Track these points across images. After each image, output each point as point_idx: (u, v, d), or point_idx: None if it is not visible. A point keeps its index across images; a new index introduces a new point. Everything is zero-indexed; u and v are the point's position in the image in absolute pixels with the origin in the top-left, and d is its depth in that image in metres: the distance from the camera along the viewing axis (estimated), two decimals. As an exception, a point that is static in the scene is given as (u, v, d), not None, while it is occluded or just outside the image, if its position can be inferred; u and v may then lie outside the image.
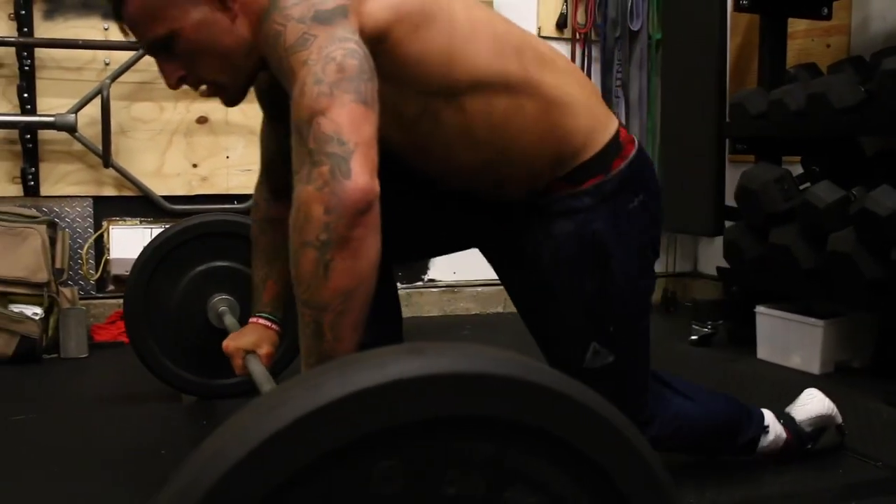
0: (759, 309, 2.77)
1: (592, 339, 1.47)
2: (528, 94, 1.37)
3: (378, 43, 1.22)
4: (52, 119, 2.88)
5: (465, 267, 3.35)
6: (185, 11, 1.26)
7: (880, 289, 2.35)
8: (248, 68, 1.33)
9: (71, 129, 2.90)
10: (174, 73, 1.33)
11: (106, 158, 2.91)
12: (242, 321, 1.92)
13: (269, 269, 1.66)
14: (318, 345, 1.08)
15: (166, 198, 3.09)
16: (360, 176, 1.04)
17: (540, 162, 1.43)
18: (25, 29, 2.90)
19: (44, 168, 2.97)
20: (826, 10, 2.92)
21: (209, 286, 2.16)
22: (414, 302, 3.35)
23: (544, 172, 1.45)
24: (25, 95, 2.91)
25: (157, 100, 3.07)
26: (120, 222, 3.07)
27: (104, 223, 3.06)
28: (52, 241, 2.82)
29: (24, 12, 2.90)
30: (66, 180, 3.01)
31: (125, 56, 2.97)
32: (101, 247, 3.06)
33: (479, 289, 3.44)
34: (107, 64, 3.01)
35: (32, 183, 2.94)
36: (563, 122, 1.41)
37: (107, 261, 3.05)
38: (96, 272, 3.05)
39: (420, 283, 3.42)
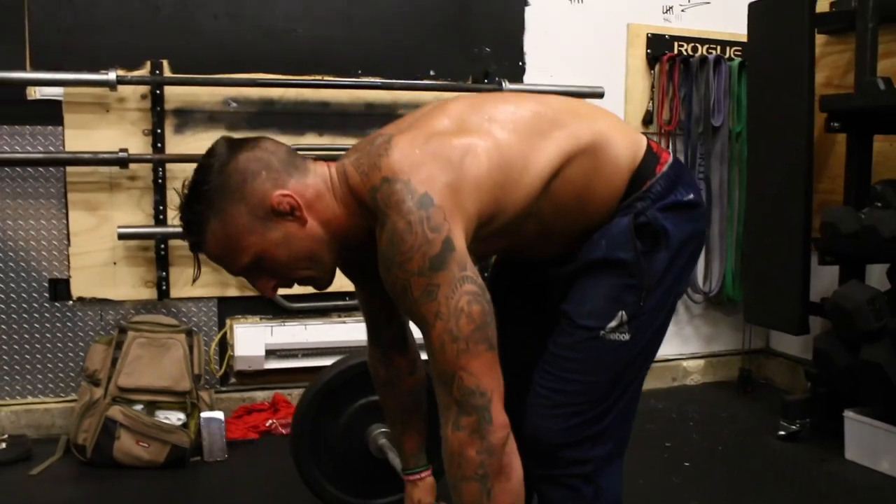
0: (848, 414, 2.98)
1: (620, 309, 1.54)
2: (582, 151, 1.51)
3: (484, 225, 1.42)
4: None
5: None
6: (262, 235, 1.40)
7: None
8: (332, 259, 1.48)
9: (202, 238, 3.08)
10: (268, 285, 1.47)
11: (235, 266, 3.09)
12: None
13: (402, 428, 1.86)
14: None
15: (284, 296, 3.28)
16: (499, 417, 1.31)
17: (613, 195, 1.57)
18: (159, 144, 3.08)
19: (173, 272, 3.17)
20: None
21: (368, 418, 2.34)
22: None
23: (615, 200, 1.58)
24: (160, 207, 3.10)
25: (277, 205, 3.25)
26: (242, 320, 3.27)
27: (227, 321, 3.26)
28: (190, 348, 3.01)
29: (158, 130, 3.08)
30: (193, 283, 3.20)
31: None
32: (224, 343, 3.26)
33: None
34: (231, 173, 3.19)
35: (164, 287, 3.14)
36: (615, 153, 1.54)
37: (230, 356, 3.25)
38: (220, 368, 3.25)
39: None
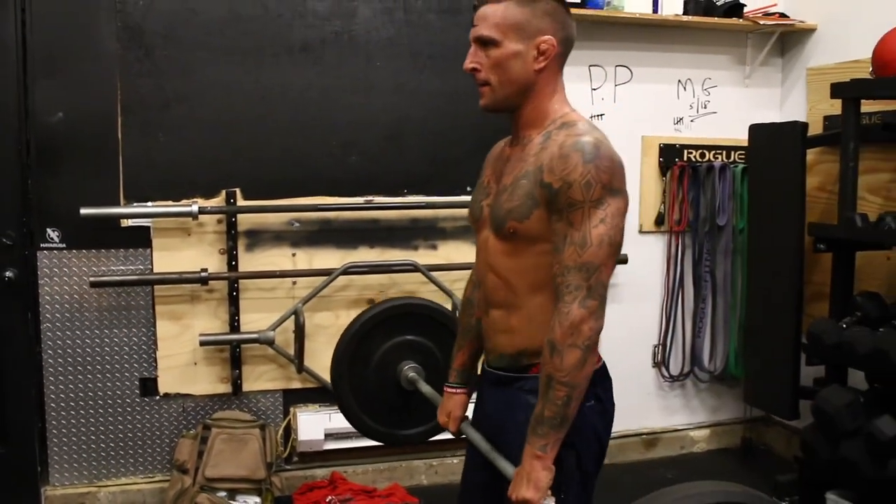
0: (830, 496, 3.44)
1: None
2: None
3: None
4: (256, 336, 3.56)
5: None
6: (515, 40, 1.79)
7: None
8: (512, 97, 1.84)
9: (270, 342, 3.58)
10: (473, 62, 1.84)
11: (300, 366, 3.59)
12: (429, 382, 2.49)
13: (460, 344, 2.21)
14: (564, 410, 1.69)
15: (341, 387, 3.77)
16: (603, 318, 1.73)
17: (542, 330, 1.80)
18: (233, 262, 3.56)
19: (245, 370, 3.66)
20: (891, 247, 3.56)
21: (397, 356, 2.61)
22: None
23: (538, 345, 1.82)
24: (235, 317, 3.59)
25: (334, 309, 3.73)
26: (304, 408, 3.76)
27: (291, 409, 3.75)
28: (264, 440, 3.51)
29: (232, 250, 3.56)
30: (262, 378, 3.70)
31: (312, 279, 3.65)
32: (288, 428, 3.75)
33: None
34: (294, 283, 3.67)
35: (238, 383, 3.63)
36: None
37: (293, 440, 3.74)
38: (285, 450, 3.75)
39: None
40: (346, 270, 3.65)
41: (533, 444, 1.73)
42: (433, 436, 2.73)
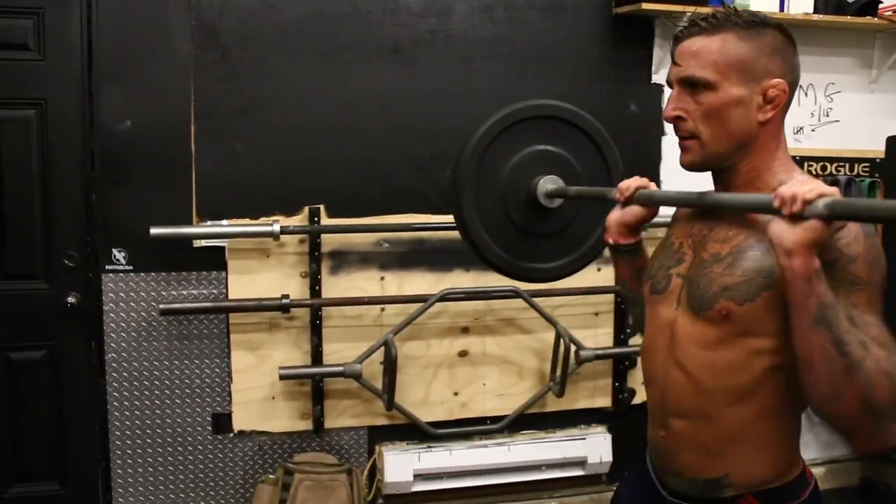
0: None
1: None
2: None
3: None
4: (341, 369, 3.21)
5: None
6: (737, 83, 1.42)
7: None
8: (728, 153, 1.46)
9: (357, 376, 3.22)
10: (678, 109, 1.47)
11: (390, 403, 3.23)
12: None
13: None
14: (840, 336, 1.22)
15: (430, 423, 3.42)
16: None
17: (771, 462, 1.47)
18: (316, 287, 3.21)
19: (327, 405, 3.31)
20: None
21: (535, 168, 2.03)
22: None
23: (755, 478, 1.48)
24: (318, 347, 3.24)
25: (426, 338, 3.38)
26: (390, 446, 3.41)
27: (377, 448, 3.40)
28: (351, 486, 3.16)
29: (316, 273, 3.21)
30: (345, 414, 3.36)
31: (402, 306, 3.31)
32: (372, 469, 3.40)
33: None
34: (382, 310, 3.32)
35: (320, 419, 3.29)
36: (789, 434, 1.49)
37: (379, 481, 3.39)
38: (370, 493, 3.40)
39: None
40: (444, 296, 3.29)
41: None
42: (579, 267, 2.12)
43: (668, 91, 3.37)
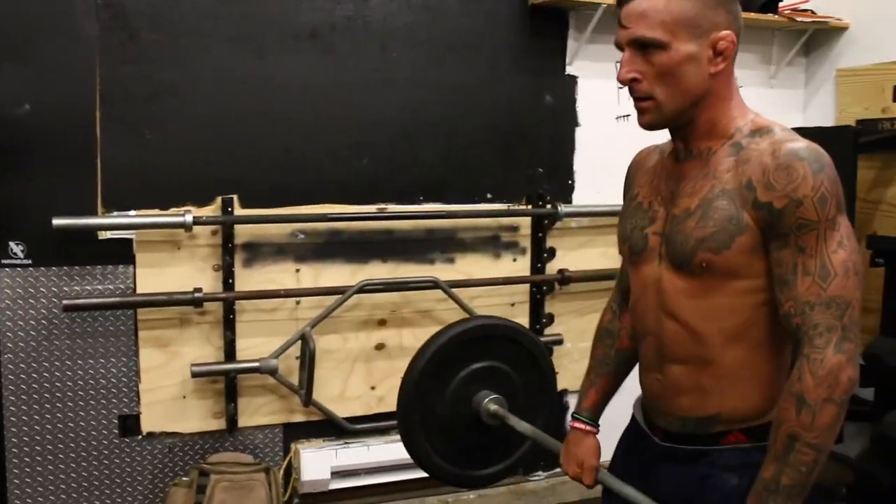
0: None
1: None
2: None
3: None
4: (257, 364, 3.09)
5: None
6: (687, 40, 1.42)
7: None
8: (685, 109, 1.47)
9: (273, 371, 3.12)
10: (632, 71, 1.47)
11: (307, 399, 3.14)
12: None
13: (594, 378, 1.88)
14: (807, 479, 1.37)
15: (347, 419, 3.34)
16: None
17: (759, 397, 1.54)
18: (230, 280, 3.09)
19: (241, 402, 3.19)
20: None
21: (475, 386, 2.16)
22: (558, 491, 3.71)
23: (743, 413, 1.54)
24: (231, 342, 3.11)
25: (342, 332, 3.30)
26: (306, 443, 3.31)
27: (293, 446, 3.30)
28: (269, 485, 3.05)
29: (230, 268, 3.08)
30: (260, 412, 3.24)
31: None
32: (288, 468, 3.30)
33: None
34: (298, 303, 3.22)
35: (234, 418, 3.16)
36: (777, 369, 1.55)
37: (295, 479, 3.29)
38: (285, 492, 3.29)
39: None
40: (362, 288, 3.21)
41: None
42: (511, 474, 2.38)
43: (582, 81, 3.41)
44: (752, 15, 3.62)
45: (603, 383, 1.89)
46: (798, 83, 4.01)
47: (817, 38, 3.91)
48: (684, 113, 1.48)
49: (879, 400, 3.39)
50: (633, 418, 1.79)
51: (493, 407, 2.11)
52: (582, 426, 1.87)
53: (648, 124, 1.51)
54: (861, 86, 3.75)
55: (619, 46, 1.50)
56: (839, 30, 3.82)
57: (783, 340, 1.52)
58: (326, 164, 3.22)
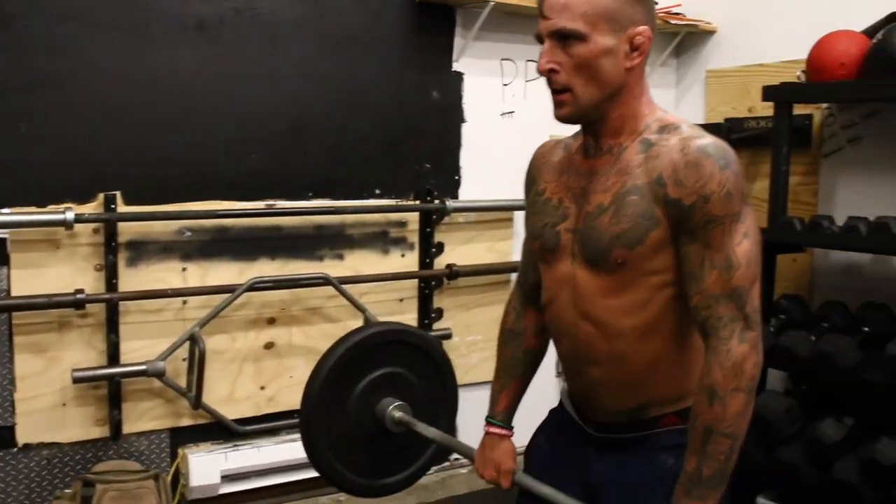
0: (760, 500, 3.41)
1: None
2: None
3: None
4: (144, 367, 2.98)
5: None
6: (606, 33, 1.46)
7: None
8: (601, 102, 1.51)
9: (160, 374, 3.01)
10: (551, 62, 1.50)
11: (197, 401, 3.05)
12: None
13: (505, 381, 1.89)
14: (726, 467, 1.43)
15: (237, 420, 3.26)
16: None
17: (683, 380, 1.60)
18: (113, 280, 2.96)
19: (126, 408, 3.06)
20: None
21: (377, 394, 2.18)
22: (448, 485, 3.73)
23: (672, 397, 1.61)
24: (115, 345, 2.98)
25: (230, 331, 3.22)
26: (194, 447, 3.21)
27: (180, 451, 3.19)
28: (159, 492, 2.95)
29: (113, 268, 2.95)
30: (146, 417, 3.11)
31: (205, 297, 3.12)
32: (177, 473, 3.19)
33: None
34: (185, 303, 3.12)
35: (118, 424, 3.03)
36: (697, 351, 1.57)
37: (182, 486, 3.19)
38: (173, 498, 3.18)
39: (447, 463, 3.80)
40: (252, 286, 3.14)
41: None
42: (418, 479, 2.38)
43: (468, 78, 3.45)
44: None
45: (514, 386, 1.91)
46: (670, 83, 4.19)
47: (688, 40, 4.09)
48: (599, 106, 1.52)
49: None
50: (561, 407, 1.83)
51: (398, 414, 2.13)
52: (497, 430, 1.88)
53: (565, 117, 1.54)
54: (728, 86, 3.96)
55: (539, 38, 1.54)
56: (708, 33, 4.02)
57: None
58: (213, 159, 3.13)
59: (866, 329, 3.24)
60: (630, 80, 1.53)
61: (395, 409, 2.14)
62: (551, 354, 1.88)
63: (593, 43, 1.47)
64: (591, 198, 1.56)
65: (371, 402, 2.16)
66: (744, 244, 1.44)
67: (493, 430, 1.89)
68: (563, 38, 1.48)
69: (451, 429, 2.27)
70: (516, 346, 1.90)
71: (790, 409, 3.26)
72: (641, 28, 1.49)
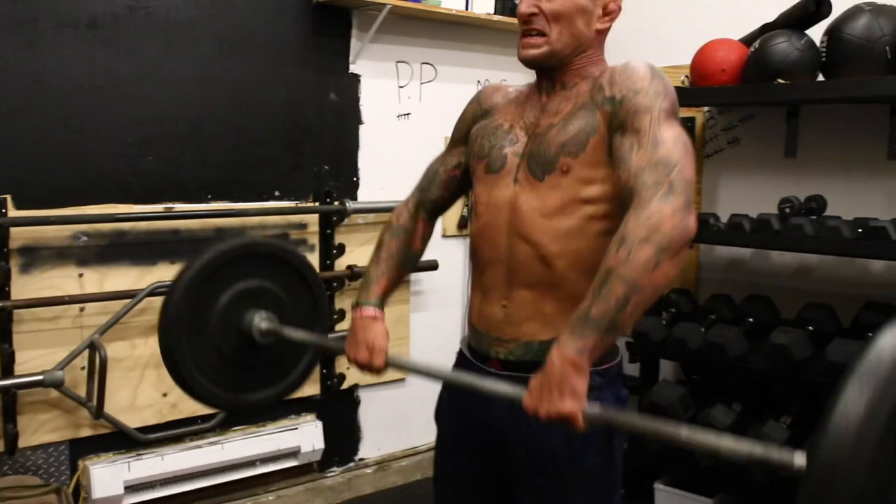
0: (658, 486, 3.56)
1: None
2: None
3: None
4: (41, 377, 2.87)
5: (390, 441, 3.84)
6: None
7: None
8: (569, 53, 1.66)
9: (59, 384, 2.91)
10: (532, 6, 1.64)
11: (99, 411, 2.97)
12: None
13: (386, 269, 1.93)
14: (617, 315, 1.37)
15: (139, 429, 3.18)
16: (693, 219, 1.42)
17: None
18: (6, 288, 2.85)
19: (22, 421, 2.95)
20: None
21: (244, 305, 2.07)
22: (354, 485, 3.73)
23: None
24: (10, 356, 2.88)
25: (130, 338, 3.14)
26: (95, 459, 3.12)
27: (80, 463, 3.10)
28: (60, 507, 2.85)
29: (6, 275, 2.85)
30: (43, 429, 3.00)
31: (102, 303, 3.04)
32: (78, 487, 3.09)
33: (404, 461, 3.91)
34: (82, 310, 3.03)
35: (14, 438, 2.92)
36: None
37: (83, 499, 3.09)
38: (74, 513, 3.08)
39: (353, 464, 3.80)
40: (153, 291, 3.08)
41: (566, 345, 1.40)
42: (290, 394, 2.24)
43: (365, 80, 3.48)
44: (507, 18, 3.83)
45: (393, 276, 1.94)
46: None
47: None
48: (565, 58, 1.67)
49: (645, 374, 3.73)
50: (461, 357, 1.85)
51: (266, 325, 2.03)
52: (371, 312, 1.86)
53: (534, 56, 1.67)
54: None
55: None
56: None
57: None
58: (109, 162, 3.06)
59: (751, 320, 3.44)
60: (596, 41, 1.69)
61: (262, 321, 2.04)
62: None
63: None
64: (543, 121, 1.69)
65: (236, 317, 2.04)
66: (671, 131, 1.49)
67: (366, 312, 1.86)
68: None
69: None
70: (403, 242, 1.95)
71: (683, 397, 3.41)
72: None
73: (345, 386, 3.71)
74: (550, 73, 1.70)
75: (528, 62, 1.68)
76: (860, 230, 2.92)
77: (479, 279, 1.77)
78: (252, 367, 2.09)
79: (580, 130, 1.59)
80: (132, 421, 3.16)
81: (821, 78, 3.12)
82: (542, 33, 1.64)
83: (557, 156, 1.60)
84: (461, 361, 1.85)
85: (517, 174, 1.68)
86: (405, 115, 3.78)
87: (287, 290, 2.10)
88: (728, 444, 1.32)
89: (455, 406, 1.87)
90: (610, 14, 1.67)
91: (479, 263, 1.78)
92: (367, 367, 1.80)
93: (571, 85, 1.69)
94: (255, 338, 2.02)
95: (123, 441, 3.16)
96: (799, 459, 1.22)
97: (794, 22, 3.18)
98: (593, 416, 1.40)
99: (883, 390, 1.05)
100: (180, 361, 1.99)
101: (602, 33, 1.69)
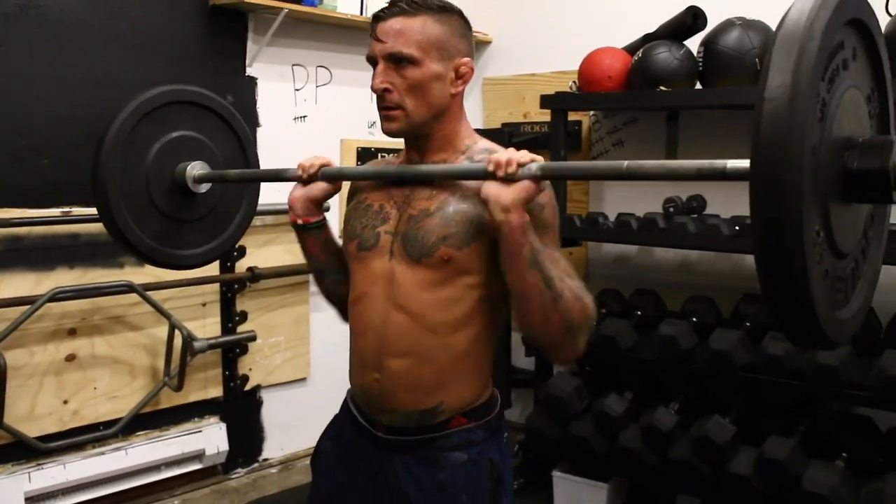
0: (556, 473, 3.72)
1: None
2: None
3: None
4: (-65, 389, 2.80)
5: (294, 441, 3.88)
6: (436, 60, 1.62)
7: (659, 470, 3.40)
8: (428, 121, 1.66)
9: (-45, 395, 2.84)
10: (385, 82, 1.62)
11: (-2, 421, 2.91)
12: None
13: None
14: (550, 273, 1.52)
15: (39, 438, 3.13)
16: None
17: (478, 383, 1.73)
18: None
19: (-86, 433, 2.87)
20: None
21: (177, 156, 2.11)
22: (259, 485, 3.75)
23: (466, 400, 1.71)
24: None
25: (28, 345, 3.08)
26: (-8, 471, 3.06)
27: (-24, 476, 3.02)
28: (-40, 520, 2.78)
29: None
30: (-64, 442, 2.93)
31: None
32: (-26, 500, 3.02)
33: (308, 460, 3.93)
34: (-22, 317, 2.96)
35: None
36: (489, 358, 1.75)
37: (-19, 513, 3.02)
38: (-29, 527, 3.01)
39: (257, 465, 3.82)
40: (54, 297, 3.03)
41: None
42: (224, 252, 2.39)
43: (262, 83, 3.51)
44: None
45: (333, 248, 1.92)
46: (447, 88, 4.44)
47: (465, 48, 4.36)
48: (426, 124, 1.67)
49: (540, 367, 3.89)
50: (345, 411, 1.86)
51: (198, 172, 2.08)
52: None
53: (395, 131, 1.67)
54: (504, 93, 4.28)
55: (373, 59, 1.67)
56: (485, 43, 4.32)
57: (496, 334, 1.72)
58: (3, 166, 2.99)
59: (639, 313, 3.64)
60: (454, 104, 1.69)
61: (194, 168, 2.09)
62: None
63: (426, 67, 1.62)
64: (415, 203, 1.68)
65: (169, 167, 2.09)
66: (565, 261, 1.63)
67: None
68: (398, 61, 1.61)
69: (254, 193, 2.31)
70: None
71: (578, 388, 3.59)
72: (466, 59, 1.67)
73: (248, 387, 3.73)
74: (416, 140, 1.71)
75: (391, 136, 1.69)
76: (737, 227, 3.15)
77: (354, 346, 1.77)
78: (189, 222, 2.13)
79: (464, 229, 1.62)
80: (31, 430, 3.10)
81: (698, 86, 3.34)
82: (399, 106, 1.64)
83: (437, 246, 1.62)
84: (349, 418, 1.83)
85: (392, 249, 1.69)
86: (301, 117, 3.83)
87: (214, 139, 2.15)
88: (673, 165, 1.43)
89: (341, 457, 1.85)
90: (463, 77, 1.67)
91: (354, 329, 1.78)
92: (308, 169, 1.83)
93: (440, 163, 1.70)
94: (189, 187, 2.07)
95: (23, 451, 3.10)
96: (731, 164, 1.35)
97: (672, 33, 3.40)
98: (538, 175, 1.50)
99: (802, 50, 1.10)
100: (118, 219, 2.01)
101: (457, 96, 1.69)
